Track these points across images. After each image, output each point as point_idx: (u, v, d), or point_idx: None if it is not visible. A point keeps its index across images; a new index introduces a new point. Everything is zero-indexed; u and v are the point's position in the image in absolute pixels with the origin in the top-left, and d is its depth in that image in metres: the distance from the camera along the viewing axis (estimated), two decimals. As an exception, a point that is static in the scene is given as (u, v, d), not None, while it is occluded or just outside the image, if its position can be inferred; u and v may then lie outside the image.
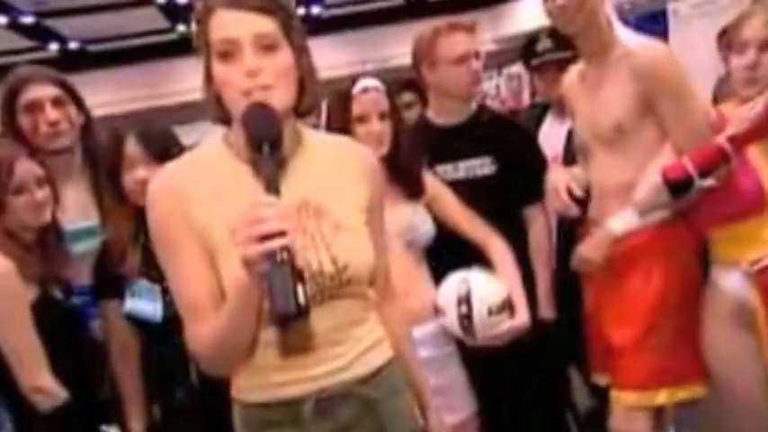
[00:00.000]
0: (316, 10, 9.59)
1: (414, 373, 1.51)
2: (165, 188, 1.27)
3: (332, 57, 7.72)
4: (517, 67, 6.96)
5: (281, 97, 1.19)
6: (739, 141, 1.84)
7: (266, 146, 1.14)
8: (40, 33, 8.66)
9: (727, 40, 1.98)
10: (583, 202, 2.07)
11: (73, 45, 10.12)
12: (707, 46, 4.96)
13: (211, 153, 1.31)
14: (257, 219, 1.05)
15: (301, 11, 8.74)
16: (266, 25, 1.19)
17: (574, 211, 2.05)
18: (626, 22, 2.43)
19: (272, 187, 1.11)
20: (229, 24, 1.18)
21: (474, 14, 9.44)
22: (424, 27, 2.32)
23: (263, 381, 1.28)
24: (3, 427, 1.73)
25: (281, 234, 1.04)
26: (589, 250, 2.01)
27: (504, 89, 8.58)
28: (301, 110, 1.29)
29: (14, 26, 8.32)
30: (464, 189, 2.14)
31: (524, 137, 2.45)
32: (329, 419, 1.28)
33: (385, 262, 1.44)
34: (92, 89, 2.41)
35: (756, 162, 1.91)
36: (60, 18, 8.47)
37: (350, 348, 1.30)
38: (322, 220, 1.27)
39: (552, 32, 2.63)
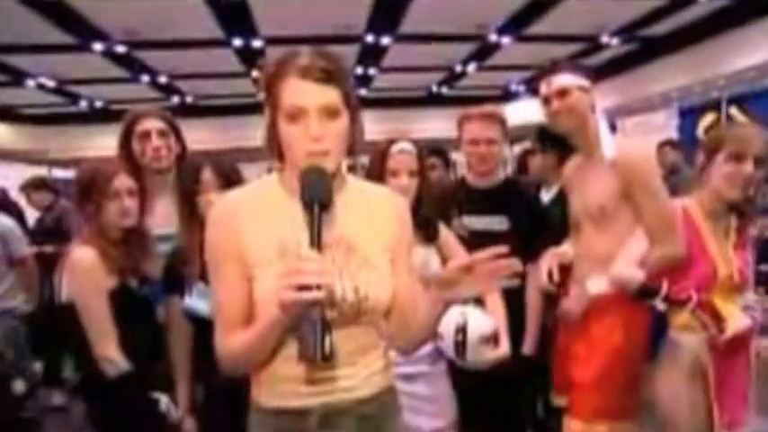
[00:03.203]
0: (363, 92, 9.63)
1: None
2: (222, 214, 1.13)
3: (373, 127, 7.82)
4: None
5: (334, 159, 1.07)
6: (705, 308, 1.77)
7: (317, 206, 1.02)
8: (128, 62, 7.23)
9: (713, 146, 1.79)
10: (558, 284, 1.96)
11: (189, 99, 10.15)
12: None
13: (267, 187, 1.16)
14: (299, 270, 0.94)
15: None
16: (330, 95, 1.04)
17: (549, 288, 1.95)
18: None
19: (317, 243, 0.99)
20: (299, 94, 1.03)
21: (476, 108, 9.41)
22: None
23: (280, 389, 1.11)
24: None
25: (318, 288, 0.92)
26: (571, 304, 1.92)
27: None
28: (348, 153, 1.13)
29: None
30: (482, 239, 1.99)
31: (535, 206, 2.27)
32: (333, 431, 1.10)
33: (412, 292, 1.19)
34: (190, 130, 2.38)
35: (712, 249, 1.80)
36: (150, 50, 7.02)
37: (359, 371, 1.12)
38: (351, 255, 1.11)
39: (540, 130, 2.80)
